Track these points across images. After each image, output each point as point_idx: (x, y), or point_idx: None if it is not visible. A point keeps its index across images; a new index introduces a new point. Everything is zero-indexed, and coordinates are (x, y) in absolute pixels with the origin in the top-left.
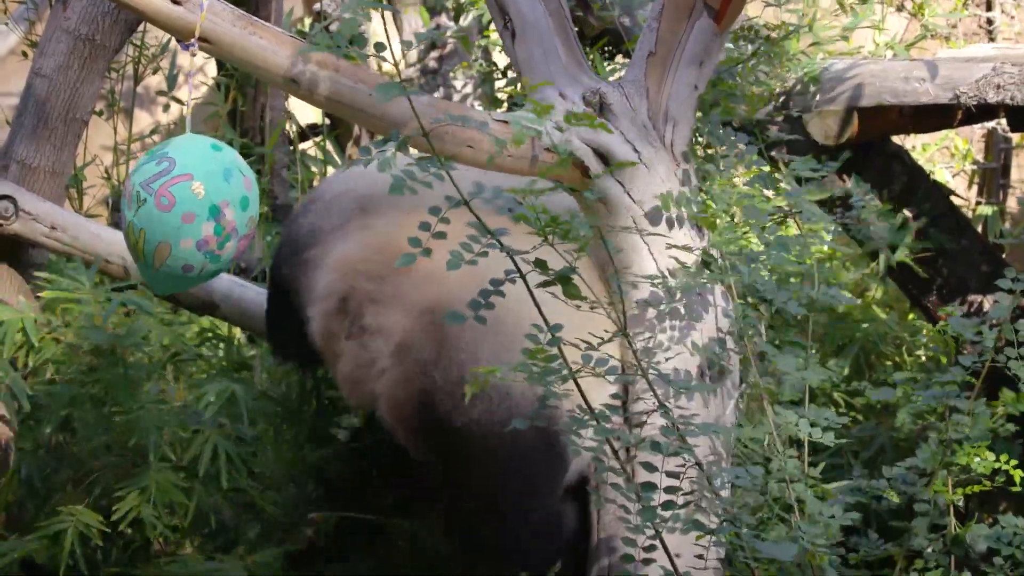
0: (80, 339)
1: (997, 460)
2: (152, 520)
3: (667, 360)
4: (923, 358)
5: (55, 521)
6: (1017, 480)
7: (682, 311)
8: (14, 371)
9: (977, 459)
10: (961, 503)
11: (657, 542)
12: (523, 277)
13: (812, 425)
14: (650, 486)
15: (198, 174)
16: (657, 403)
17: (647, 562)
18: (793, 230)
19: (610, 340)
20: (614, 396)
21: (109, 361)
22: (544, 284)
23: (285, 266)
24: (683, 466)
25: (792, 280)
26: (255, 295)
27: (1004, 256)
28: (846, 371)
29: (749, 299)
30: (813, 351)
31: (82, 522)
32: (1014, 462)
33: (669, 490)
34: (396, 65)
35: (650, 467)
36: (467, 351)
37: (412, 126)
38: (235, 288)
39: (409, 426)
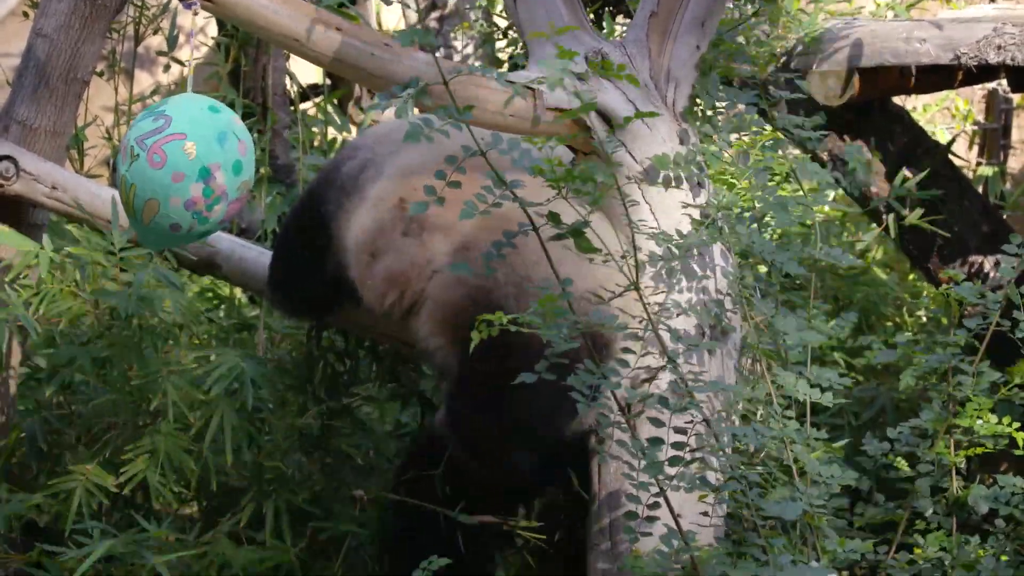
0: (97, 298)
1: (999, 423)
2: (158, 486)
3: (667, 319)
4: (924, 319)
5: (64, 480)
6: (1020, 443)
7: (680, 270)
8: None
9: (980, 421)
10: (963, 465)
11: (661, 499)
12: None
13: (812, 386)
14: (657, 441)
15: (191, 135)
16: (666, 359)
17: (651, 519)
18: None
19: (621, 295)
20: (625, 351)
21: (122, 325)
22: (558, 237)
23: (326, 204)
24: (690, 422)
25: (793, 240)
26: (256, 256)
27: (1004, 217)
28: (847, 332)
29: (750, 259)
30: (815, 312)
31: (91, 482)
32: (1016, 424)
33: (675, 446)
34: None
35: (657, 422)
36: (536, 252)
37: (429, 76)
38: (236, 248)
39: (456, 327)
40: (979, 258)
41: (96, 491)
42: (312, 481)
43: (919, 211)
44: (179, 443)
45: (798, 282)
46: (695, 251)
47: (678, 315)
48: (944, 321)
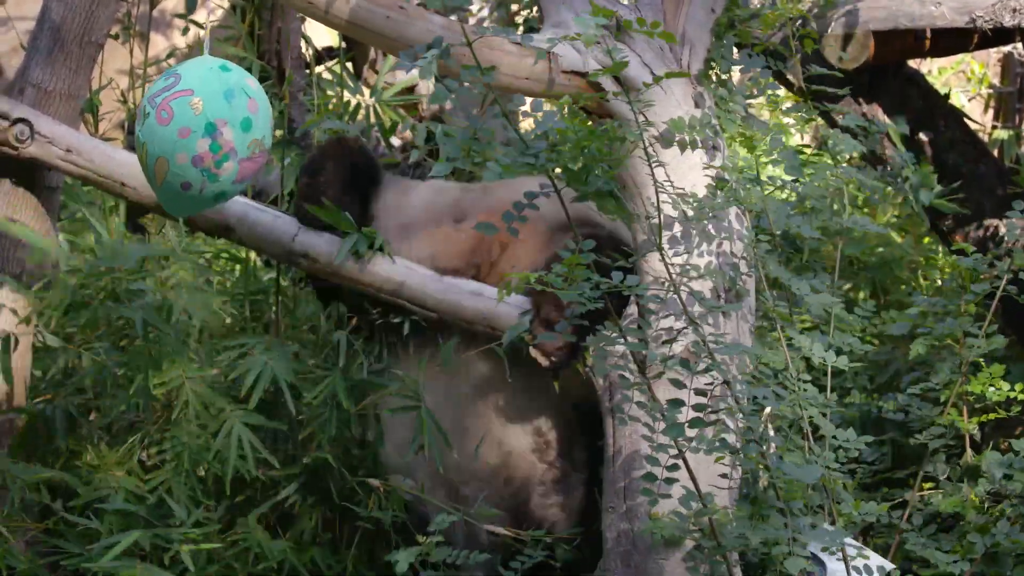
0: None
1: (1012, 389)
2: (183, 495)
3: (686, 281)
4: (939, 282)
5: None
6: None
7: (696, 233)
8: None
9: (992, 388)
10: (976, 431)
11: (680, 461)
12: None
13: (827, 349)
14: (677, 403)
15: (199, 90)
16: (687, 320)
17: (669, 481)
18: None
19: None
20: (642, 313)
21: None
22: (580, 198)
23: None
24: (711, 384)
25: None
26: (271, 219)
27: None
28: (862, 295)
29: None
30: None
31: (123, 488)
32: None
33: (696, 408)
34: None
35: (678, 384)
36: None
37: (451, 37)
38: (251, 211)
39: None
40: (994, 222)
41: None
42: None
43: (938, 188)
44: (202, 445)
45: (813, 247)
46: (711, 214)
47: (696, 278)
48: (967, 284)
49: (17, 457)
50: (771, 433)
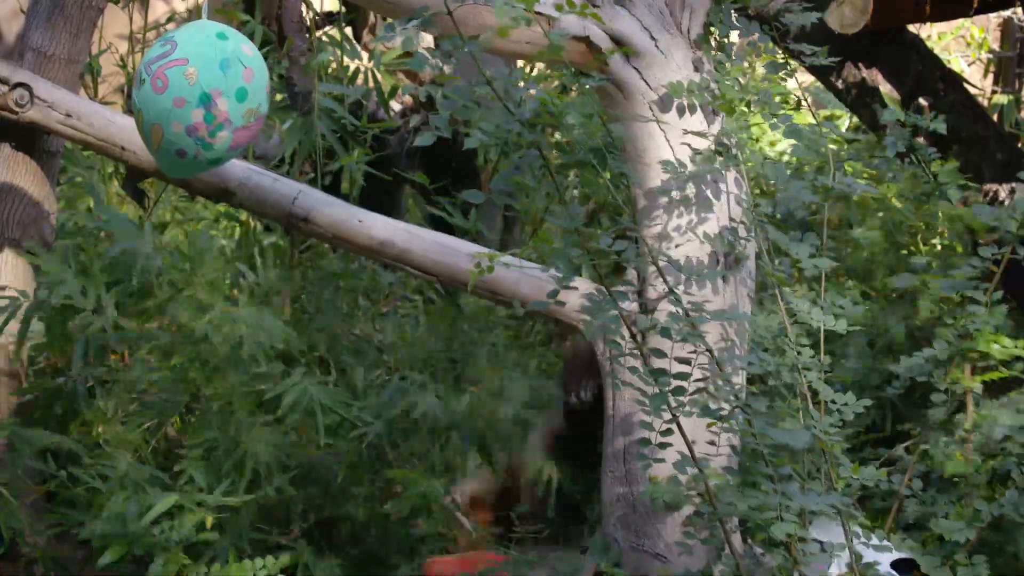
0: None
1: (1016, 346)
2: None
3: (679, 247)
4: (938, 247)
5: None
6: None
7: (693, 198)
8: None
9: (996, 346)
10: (980, 390)
11: (674, 426)
12: (545, 159)
13: (824, 313)
14: (660, 372)
15: (193, 60)
16: (667, 289)
17: (663, 446)
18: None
19: (622, 230)
20: (627, 282)
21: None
22: (563, 167)
23: None
24: (694, 352)
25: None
26: (271, 182)
27: (1020, 145)
28: (861, 259)
29: (763, 187)
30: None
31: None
32: None
33: (681, 376)
34: None
35: (659, 353)
36: None
37: (441, 4)
38: (252, 175)
39: None
40: (994, 186)
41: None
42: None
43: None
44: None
45: (812, 210)
46: (709, 178)
47: (690, 243)
48: (959, 248)
49: (27, 421)
50: (759, 399)
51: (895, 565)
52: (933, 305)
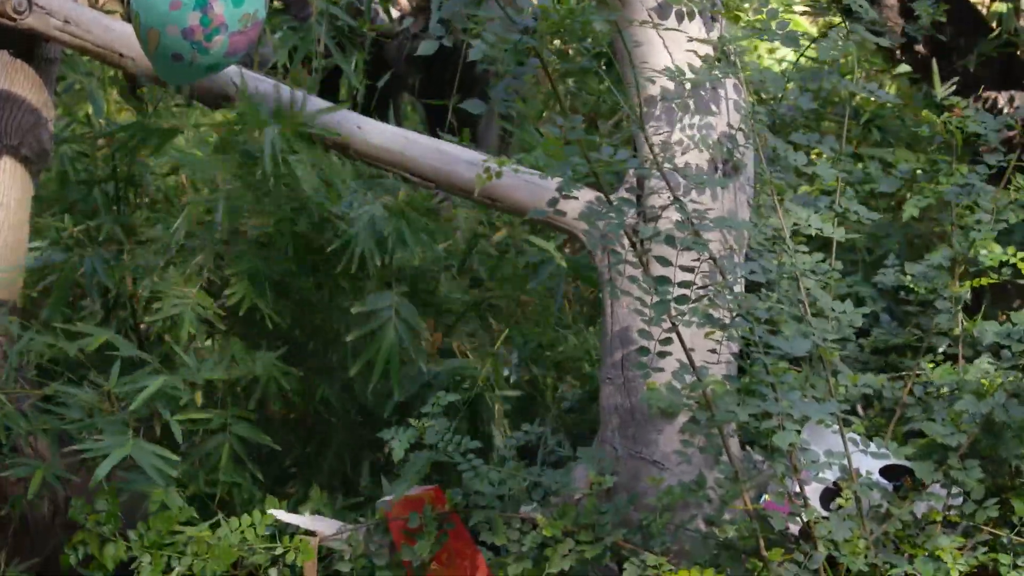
0: None
1: (1004, 252)
2: (265, 309)
3: (680, 155)
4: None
5: (164, 306)
6: None
7: (692, 106)
8: None
9: (984, 251)
10: (968, 296)
11: (673, 335)
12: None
13: (825, 220)
14: (663, 280)
15: None
16: (671, 197)
17: (662, 355)
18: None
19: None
20: (628, 189)
21: None
22: (565, 74)
23: None
24: (697, 260)
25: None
26: (269, 88)
27: (1018, 53)
28: (860, 167)
29: (762, 94)
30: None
31: (199, 304)
32: (1021, 255)
33: (683, 284)
34: None
35: (664, 261)
36: None
37: None
38: (250, 80)
39: None
40: (992, 94)
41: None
42: None
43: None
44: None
45: (810, 118)
46: (708, 86)
47: (690, 150)
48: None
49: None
50: (765, 306)
51: (887, 473)
52: (921, 210)
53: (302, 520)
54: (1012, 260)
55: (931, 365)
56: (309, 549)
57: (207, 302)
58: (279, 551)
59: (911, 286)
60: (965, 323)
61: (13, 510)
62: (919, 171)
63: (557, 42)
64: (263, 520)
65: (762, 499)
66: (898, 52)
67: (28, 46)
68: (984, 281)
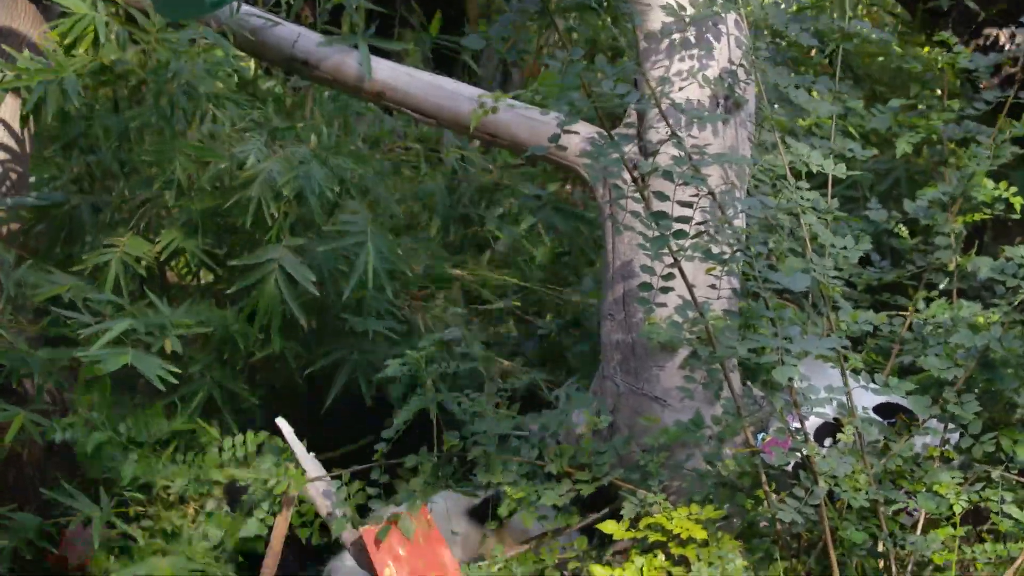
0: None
1: (996, 187)
2: (195, 251)
3: (681, 90)
4: (938, 92)
5: (99, 253)
6: (1017, 207)
7: (693, 41)
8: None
9: (976, 187)
10: (962, 231)
11: (675, 270)
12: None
13: (825, 157)
14: (662, 215)
15: None
16: (670, 132)
17: (665, 290)
18: None
19: (623, 73)
20: (628, 124)
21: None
22: (563, 9)
23: None
24: (696, 195)
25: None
26: (271, 25)
27: None
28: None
29: (764, 30)
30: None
31: (129, 254)
32: (1014, 189)
33: (682, 219)
34: None
35: (662, 196)
36: None
37: None
38: (251, 18)
39: None
40: (994, 31)
41: (135, 264)
42: None
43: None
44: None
45: (811, 54)
46: (709, 21)
47: (690, 86)
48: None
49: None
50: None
51: (881, 411)
52: (915, 146)
53: (300, 447)
54: (1005, 195)
55: (926, 300)
56: (300, 479)
57: (143, 248)
58: (270, 481)
59: (896, 230)
60: (959, 258)
61: None
62: (913, 107)
63: None
64: (254, 440)
65: (759, 437)
66: None
67: None
68: (977, 216)
